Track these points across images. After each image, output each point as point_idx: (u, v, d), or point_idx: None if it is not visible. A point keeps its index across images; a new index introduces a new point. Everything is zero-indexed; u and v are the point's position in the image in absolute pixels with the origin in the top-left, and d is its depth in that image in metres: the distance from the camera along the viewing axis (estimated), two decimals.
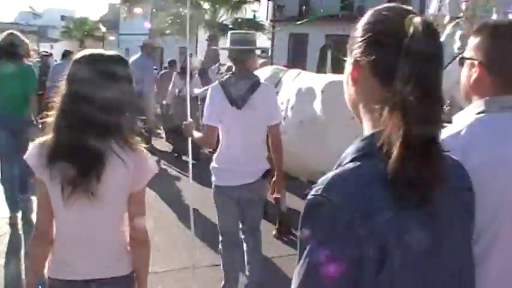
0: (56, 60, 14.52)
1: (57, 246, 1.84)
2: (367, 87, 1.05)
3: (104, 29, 36.06)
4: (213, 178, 3.48)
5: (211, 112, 3.30)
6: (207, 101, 3.35)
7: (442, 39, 2.50)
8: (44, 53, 13.08)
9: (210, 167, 3.48)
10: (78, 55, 1.80)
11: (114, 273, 1.84)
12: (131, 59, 8.69)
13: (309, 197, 0.96)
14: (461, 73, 1.50)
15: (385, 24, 1.02)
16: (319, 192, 0.94)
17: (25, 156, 1.79)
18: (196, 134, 3.52)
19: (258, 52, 6.96)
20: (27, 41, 4.83)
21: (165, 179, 7.22)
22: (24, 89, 4.62)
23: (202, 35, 21.49)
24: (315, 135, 4.31)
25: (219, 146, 3.46)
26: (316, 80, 4.57)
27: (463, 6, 3.37)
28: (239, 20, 19.48)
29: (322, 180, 0.97)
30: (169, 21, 21.95)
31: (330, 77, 4.67)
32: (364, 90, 1.06)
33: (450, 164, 1.05)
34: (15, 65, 4.50)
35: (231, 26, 18.99)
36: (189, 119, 3.58)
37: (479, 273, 1.14)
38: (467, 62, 1.46)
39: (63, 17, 42.97)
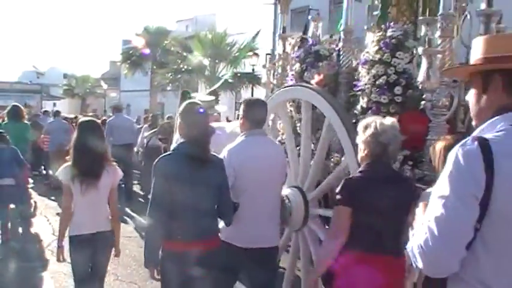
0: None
1: (76, 217, 3.62)
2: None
3: (105, 86, 36.08)
4: None
5: None
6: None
7: None
8: (34, 113, 15.37)
9: None
10: (81, 120, 4.02)
11: (105, 228, 3.69)
12: (108, 120, 9.69)
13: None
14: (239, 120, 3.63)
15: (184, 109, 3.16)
16: (156, 161, 3.03)
17: (56, 173, 3.69)
18: None
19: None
20: (22, 107, 8.48)
21: None
22: (24, 137, 8.31)
23: (203, 89, 21.61)
24: None
25: None
26: None
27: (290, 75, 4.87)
28: (238, 75, 19.59)
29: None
30: (170, 77, 22.16)
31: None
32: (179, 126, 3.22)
33: (213, 157, 3.12)
34: (19, 123, 8.42)
35: (230, 81, 19.10)
36: None
37: (242, 201, 3.29)
38: (240, 115, 3.56)
39: (65, 75, 43.37)
